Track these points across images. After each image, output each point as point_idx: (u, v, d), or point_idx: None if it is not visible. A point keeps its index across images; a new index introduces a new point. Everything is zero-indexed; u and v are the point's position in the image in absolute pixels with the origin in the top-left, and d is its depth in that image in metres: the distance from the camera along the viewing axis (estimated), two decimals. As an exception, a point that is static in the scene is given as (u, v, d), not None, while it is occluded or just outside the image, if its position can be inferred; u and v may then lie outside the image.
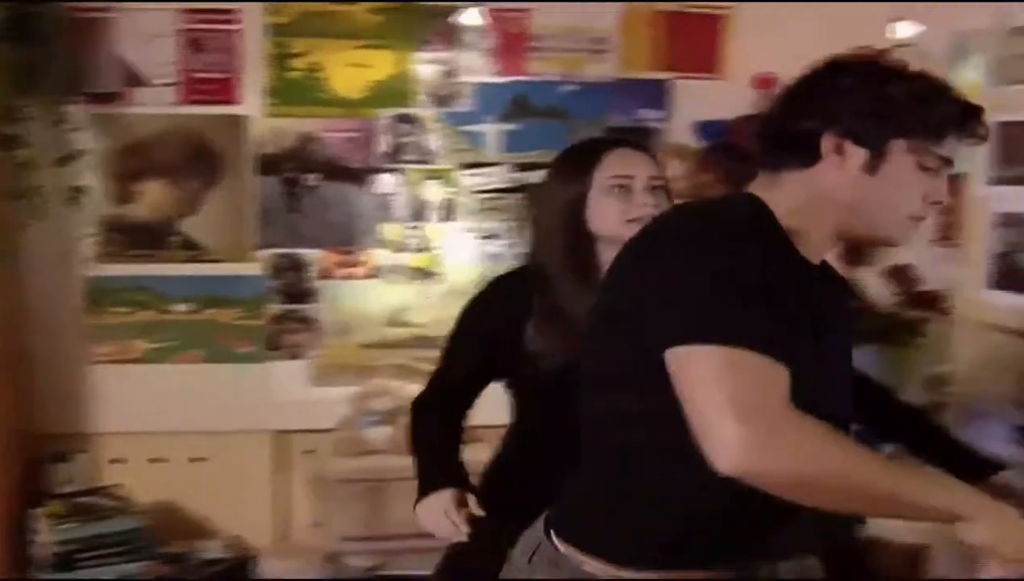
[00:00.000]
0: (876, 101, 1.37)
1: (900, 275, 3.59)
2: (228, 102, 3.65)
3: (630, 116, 3.76)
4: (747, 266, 1.28)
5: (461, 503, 1.99)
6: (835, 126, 1.38)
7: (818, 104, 1.40)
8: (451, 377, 2.14)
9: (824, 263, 1.47)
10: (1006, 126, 2.72)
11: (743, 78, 3.76)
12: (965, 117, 1.41)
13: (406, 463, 3.43)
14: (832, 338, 1.42)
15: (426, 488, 2.05)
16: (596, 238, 1.99)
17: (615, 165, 2.00)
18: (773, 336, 1.23)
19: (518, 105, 3.71)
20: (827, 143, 1.38)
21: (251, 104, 3.66)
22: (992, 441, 2.99)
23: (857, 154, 1.37)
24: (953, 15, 3.35)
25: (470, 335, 2.10)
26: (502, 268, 3.67)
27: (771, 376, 1.22)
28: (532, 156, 3.71)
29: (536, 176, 3.70)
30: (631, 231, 1.85)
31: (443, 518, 1.98)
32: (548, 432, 1.98)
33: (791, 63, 3.59)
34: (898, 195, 1.39)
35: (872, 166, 1.37)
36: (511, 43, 3.70)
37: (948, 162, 1.40)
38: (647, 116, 3.76)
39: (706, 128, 3.66)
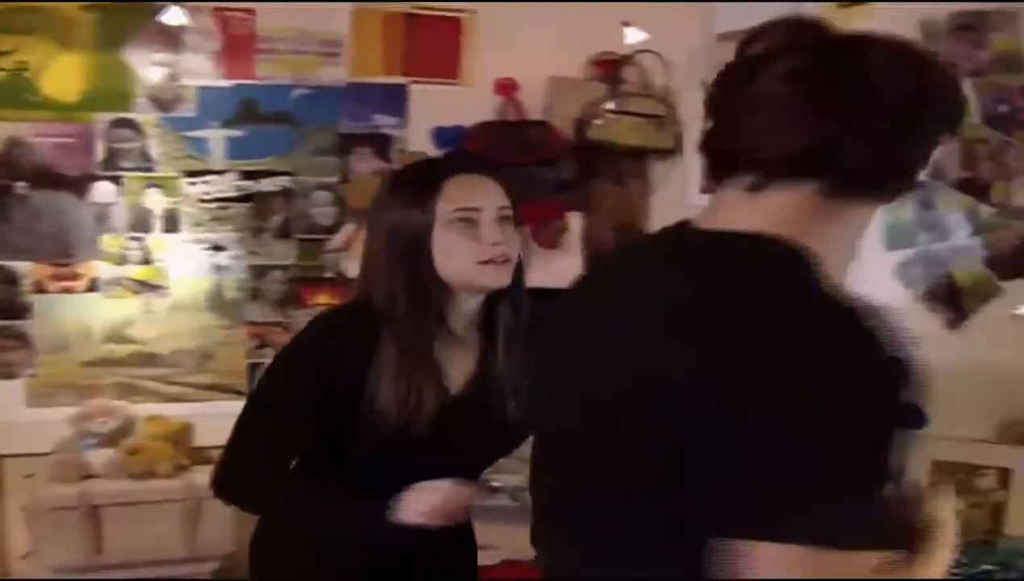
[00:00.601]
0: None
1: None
2: (-76, 103, 3.36)
3: (364, 122, 3.67)
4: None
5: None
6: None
7: (907, 116, 1.04)
8: (281, 434, 1.75)
9: None
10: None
11: (483, 83, 3.73)
12: None
13: (126, 488, 3.28)
14: None
15: (388, 503, 1.67)
16: (445, 283, 1.75)
17: (459, 195, 1.74)
18: None
19: (245, 110, 3.55)
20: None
21: (-50, 105, 3.38)
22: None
23: None
24: (665, 22, 3.41)
25: (302, 385, 1.75)
26: (233, 282, 3.60)
27: None
28: (261, 163, 3.58)
29: (269, 184, 3.60)
30: (483, 276, 1.74)
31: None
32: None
33: (531, 68, 3.68)
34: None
35: None
36: (237, 45, 3.54)
37: None
38: (382, 122, 3.68)
39: (441, 134, 3.61)
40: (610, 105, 3.62)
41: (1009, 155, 2.77)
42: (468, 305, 1.80)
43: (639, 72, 3.71)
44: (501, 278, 1.76)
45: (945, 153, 2.62)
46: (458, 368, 1.80)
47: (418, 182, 1.77)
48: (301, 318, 3.57)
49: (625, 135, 3.60)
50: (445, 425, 1.74)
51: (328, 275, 3.62)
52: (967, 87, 2.67)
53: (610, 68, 3.71)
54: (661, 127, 3.60)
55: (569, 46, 3.72)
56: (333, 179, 3.64)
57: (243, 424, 1.80)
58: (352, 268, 3.48)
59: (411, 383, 1.70)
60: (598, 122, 3.62)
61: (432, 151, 3.58)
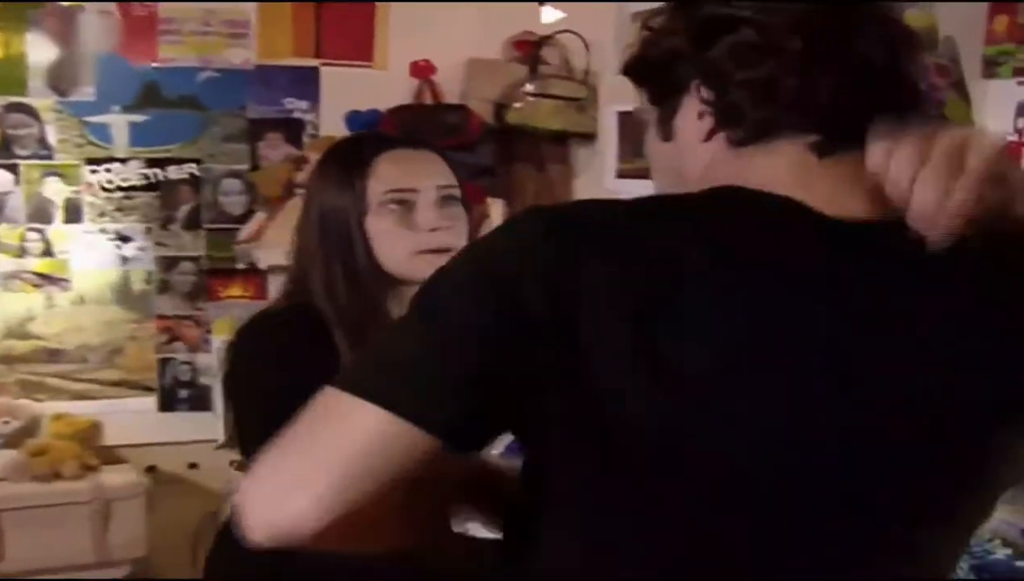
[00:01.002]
0: None
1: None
2: None
3: (274, 106, 3.54)
4: None
5: None
6: None
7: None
8: None
9: None
10: (630, 116, 2.68)
11: (398, 66, 3.63)
12: None
13: (30, 491, 3.13)
14: None
15: None
16: (385, 276, 1.53)
17: (392, 174, 1.53)
18: None
19: (147, 94, 3.40)
20: None
21: None
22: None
23: None
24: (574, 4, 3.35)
25: (285, 384, 1.41)
26: (140, 274, 3.46)
27: None
28: (167, 150, 3.44)
29: (175, 171, 3.47)
30: (421, 268, 1.49)
31: None
32: None
33: (448, 50, 3.59)
34: None
35: None
36: (137, 25, 3.38)
37: None
38: (293, 106, 3.56)
39: (354, 119, 3.50)
40: (530, 88, 3.54)
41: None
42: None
43: (559, 54, 3.64)
44: None
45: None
46: None
47: (346, 160, 1.57)
48: (212, 311, 3.47)
49: (545, 119, 3.52)
50: None
51: (240, 266, 3.50)
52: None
53: (529, 49, 3.63)
54: (582, 110, 3.54)
55: (487, 27, 3.64)
56: (242, 166, 3.52)
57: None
58: (264, 258, 3.38)
59: None
60: (518, 105, 3.53)
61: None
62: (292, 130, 3.54)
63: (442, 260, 1.45)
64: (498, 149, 3.59)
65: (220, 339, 3.42)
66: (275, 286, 3.49)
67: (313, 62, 3.58)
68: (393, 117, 3.52)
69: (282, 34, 3.54)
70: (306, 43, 3.57)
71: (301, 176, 3.39)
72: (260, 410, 1.45)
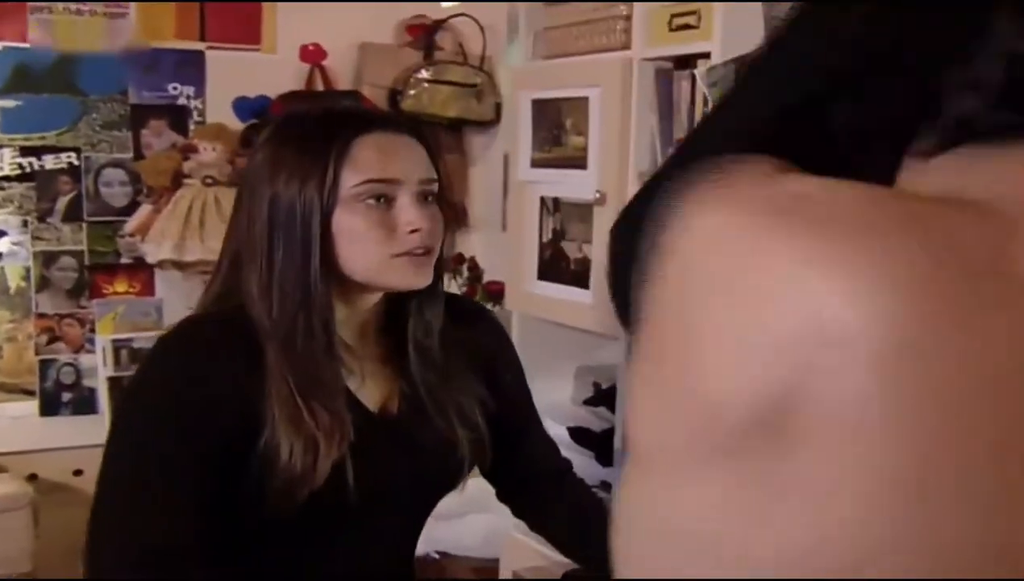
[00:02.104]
0: None
1: (463, 265, 3.52)
2: None
3: (158, 92, 3.38)
4: None
5: None
6: None
7: None
8: (179, 507, 1.21)
9: None
10: (544, 104, 2.62)
11: (287, 50, 3.51)
12: None
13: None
14: None
15: None
16: (344, 282, 1.32)
17: (370, 162, 1.28)
18: None
19: (17, 77, 3.20)
20: None
21: None
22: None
23: None
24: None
25: (175, 433, 1.23)
26: (17, 270, 3.27)
27: None
28: (44, 137, 3.25)
29: (52, 161, 3.29)
30: (396, 273, 1.32)
31: None
32: None
33: (340, 33, 3.48)
34: None
35: None
36: (6, 2, 3.17)
37: None
38: (178, 91, 3.40)
39: (240, 106, 3.37)
40: (425, 74, 3.46)
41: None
42: (363, 306, 1.38)
43: (453, 38, 3.56)
44: (420, 276, 1.34)
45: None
46: (372, 384, 1.40)
47: (314, 141, 1.29)
48: (96, 309, 3.32)
49: (441, 106, 3.45)
50: (371, 454, 1.33)
51: (125, 261, 3.35)
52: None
53: (423, 33, 3.55)
54: (478, 97, 3.47)
55: (380, 10, 3.55)
56: (125, 155, 3.35)
57: (108, 524, 1.22)
58: (152, 253, 3.23)
59: (309, 408, 1.26)
60: (412, 92, 3.45)
61: (234, 124, 3.35)
62: (177, 116, 3.39)
63: (420, 264, 1.33)
64: (393, 136, 3.50)
65: (104, 338, 3.26)
66: (163, 282, 3.35)
67: (198, 45, 3.43)
68: (283, 104, 3.40)
69: (165, 15, 3.37)
70: (190, 25, 3.41)
71: (189, 165, 3.25)
72: (129, 480, 1.25)
